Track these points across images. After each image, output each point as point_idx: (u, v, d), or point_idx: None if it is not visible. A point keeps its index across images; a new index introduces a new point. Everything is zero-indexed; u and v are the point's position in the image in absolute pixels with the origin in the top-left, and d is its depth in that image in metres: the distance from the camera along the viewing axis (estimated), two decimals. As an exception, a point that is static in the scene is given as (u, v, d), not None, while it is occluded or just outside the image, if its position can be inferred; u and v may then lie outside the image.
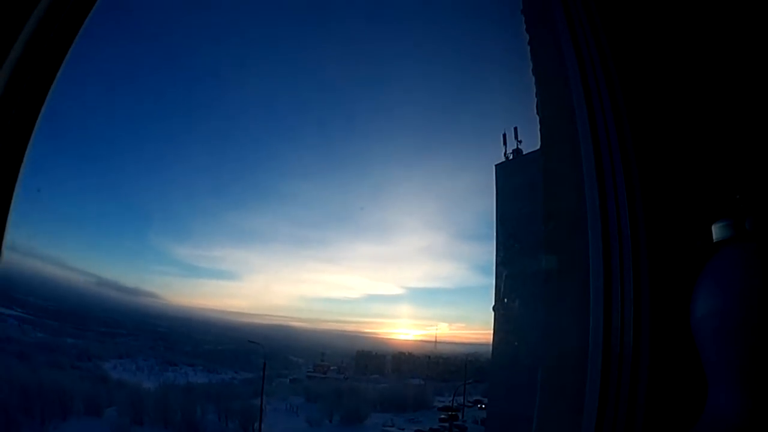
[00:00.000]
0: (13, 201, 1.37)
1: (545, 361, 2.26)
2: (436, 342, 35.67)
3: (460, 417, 25.94)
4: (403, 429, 25.18)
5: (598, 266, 1.84)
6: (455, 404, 26.67)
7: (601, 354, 1.78)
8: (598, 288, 1.83)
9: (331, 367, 32.08)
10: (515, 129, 17.42)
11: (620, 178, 1.83)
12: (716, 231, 1.39)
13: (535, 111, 2.58)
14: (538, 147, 2.60)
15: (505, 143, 17.77)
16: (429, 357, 33.40)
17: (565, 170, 2.32)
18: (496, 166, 16.77)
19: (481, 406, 25.56)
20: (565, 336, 2.18)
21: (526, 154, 16.63)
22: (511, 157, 17.51)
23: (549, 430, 2.20)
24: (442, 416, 26.20)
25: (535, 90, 2.61)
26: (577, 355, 1.93)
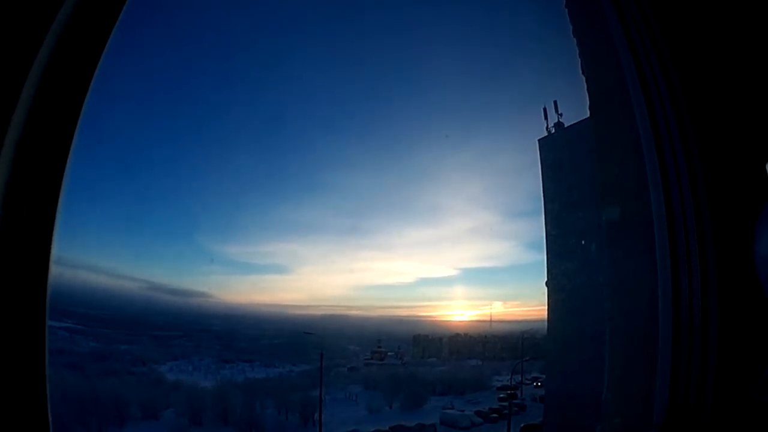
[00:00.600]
0: (59, 213, 1.37)
1: (614, 317, 2.25)
2: (491, 321, 35.41)
3: (519, 395, 25.82)
4: (462, 411, 25.14)
5: (661, 217, 1.82)
6: (513, 383, 26.55)
7: (671, 308, 1.76)
8: (663, 239, 1.81)
9: (389, 353, 32.19)
10: (555, 103, 17.21)
11: (674, 126, 1.81)
12: None
13: (580, 71, 2.56)
14: (579, 120, 2.58)
15: (546, 117, 17.55)
16: (485, 337, 33.27)
17: (617, 125, 2.29)
18: (539, 140, 16.64)
19: (537, 384, 25.42)
20: (632, 290, 2.16)
21: (568, 127, 16.44)
22: (553, 130, 17.31)
23: (621, 386, 2.19)
24: (501, 395, 26.14)
25: (578, 51, 2.58)
26: (646, 308, 1.91)
